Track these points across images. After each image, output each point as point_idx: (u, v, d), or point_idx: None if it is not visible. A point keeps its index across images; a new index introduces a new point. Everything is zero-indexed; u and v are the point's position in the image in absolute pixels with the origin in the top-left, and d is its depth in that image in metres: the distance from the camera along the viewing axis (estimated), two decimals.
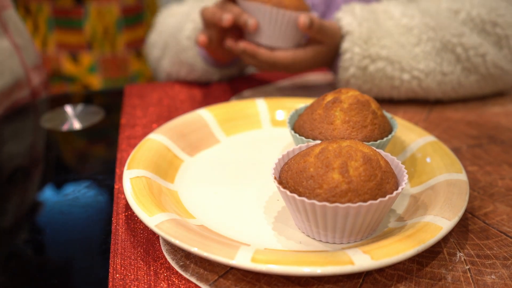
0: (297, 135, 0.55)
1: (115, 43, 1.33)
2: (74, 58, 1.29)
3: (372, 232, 0.47)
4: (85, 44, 1.30)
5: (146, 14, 1.39)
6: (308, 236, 0.47)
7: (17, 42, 0.90)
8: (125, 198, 0.55)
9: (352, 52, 0.74)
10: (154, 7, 1.45)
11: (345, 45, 0.75)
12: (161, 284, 0.43)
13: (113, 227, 0.50)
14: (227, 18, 0.72)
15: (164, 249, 0.47)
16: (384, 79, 0.76)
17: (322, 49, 0.75)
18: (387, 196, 0.43)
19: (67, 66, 1.30)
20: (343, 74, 0.76)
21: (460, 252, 0.47)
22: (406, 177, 0.46)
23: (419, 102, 0.80)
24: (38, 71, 0.96)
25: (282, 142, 0.65)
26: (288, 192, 0.44)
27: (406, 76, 0.76)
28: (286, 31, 0.72)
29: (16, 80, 0.87)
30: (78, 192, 0.59)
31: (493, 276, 0.44)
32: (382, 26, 0.76)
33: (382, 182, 0.44)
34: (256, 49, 0.73)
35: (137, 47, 1.38)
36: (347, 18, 0.75)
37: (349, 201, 0.42)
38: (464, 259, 0.46)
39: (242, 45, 0.73)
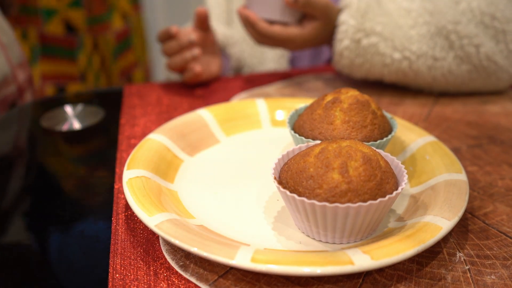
0: (297, 135, 0.55)
1: (111, 73, 1.25)
2: (61, 91, 1.16)
3: (372, 232, 0.47)
4: (78, 75, 1.18)
5: (132, 37, 1.33)
6: (308, 236, 0.47)
7: (2, 40, 0.90)
8: (125, 198, 0.55)
9: (347, 24, 0.77)
10: (140, 29, 1.38)
11: (342, 17, 0.77)
12: (161, 284, 0.43)
13: (113, 227, 0.50)
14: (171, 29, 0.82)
15: (164, 249, 0.47)
16: (376, 55, 0.78)
17: (318, 25, 0.78)
18: (387, 196, 0.43)
19: None
20: (338, 46, 0.78)
21: (460, 252, 0.47)
22: (406, 177, 0.46)
23: (419, 102, 0.80)
24: (23, 69, 0.96)
25: (282, 142, 0.65)
26: (288, 192, 0.44)
27: (397, 55, 0.77)
28: (276, 3, 0.76)
29: (3, 77, 0.88)
30: (78, 192, 0.59)
31: (492, 276, 0.44)
32: (382, 5, 0.78)
33: (382, 182, 0.44)
34: (256, 19, 0.77)
35: (128, 74, 1.31)
36: None
37: (349, 201, 0.42)
38: (464, 259, 0.46)
39: (247, 13, 0.78)
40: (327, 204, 0.42)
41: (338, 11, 0.78)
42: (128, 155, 0.63)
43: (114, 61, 1.24)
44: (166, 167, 0.57)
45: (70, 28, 1.16)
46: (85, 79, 1.21)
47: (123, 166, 0.59)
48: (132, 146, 0.66)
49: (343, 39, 0.77)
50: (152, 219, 0.45)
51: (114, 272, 0.44)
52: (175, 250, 0.47)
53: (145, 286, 0.43)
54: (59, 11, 1.14)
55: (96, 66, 1.22)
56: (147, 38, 1.44)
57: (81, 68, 1.20)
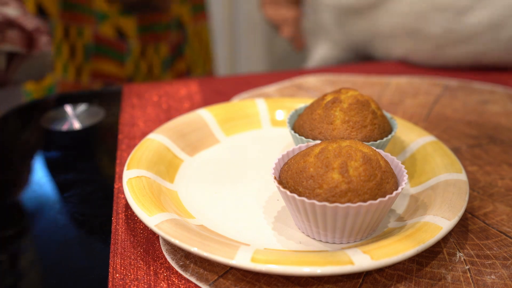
0: (297, 135, 0.55)
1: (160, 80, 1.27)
2: None
3: (372, 232, 0.47)
4: (125, 78, 1.20)
5: (186, 45, 1.31)
6: (308, 236, 0.47)
7: None
8: (125, 198, 0.55)
9: None
10: (203, 35, 1.33)
11: None
12: (161, 284, 0.43)
13: (113, 227, 0.50)
14: None
15: (164, 249, 0.47)
16: None
17: None
18: (387, 196, 0.43)
19: None
20: None
21: (459, 252, 0.47)
22: (406, 177, 0.46)
23: (419, 102, 0.80)
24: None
25: (282, 142, 0.65)
26: (288, 192, 0.44)
27: None
28: None
29: None
30: (78, 192, 0.59)
31: (492, 276, 0.44)
32: None
33: (382, 182, 0.44)
34: None
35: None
36: None
37: (349, 201, 0.42)
38: (464, 259, 0.46)
39: None
40: (327, 204, 0.42)
41: None
42: (128, 155, 0.63)
43: (164, 72, 1.24)
44: (166, 167, 0.57)
45: (120, 34, 1.19)
46: (132, 81, 1.23)
47: (123, 166, 0.59)
48: (132, 146, 0.66)
49: None
50: (152, 219, 0.45)
51: (114, 272, 0.45)
52: (175, 250, 0.47)
53: (145, 286, 0.43)
54: (110, 17, 1.16)
55: (142, 73, 1.24)
56: (212, 47, 1.42)
57: (128, 72, 1.22)
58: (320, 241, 0.46)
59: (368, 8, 0.94)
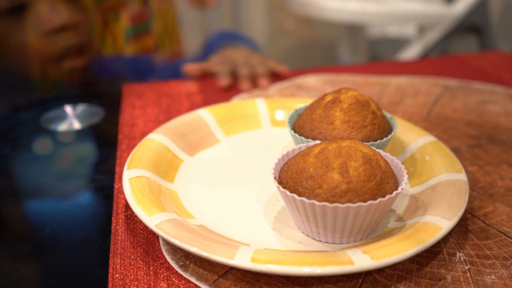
0: (297, 135, 0.55)
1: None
2: None
3: (372, 232, 0.47)
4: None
5: (152, 21, 1.32)
6: (308, 236, 0.47)
7: None
8: (124, 198, 0.55)
9: None
10: (167, 14, 1.38)
11: None
12: (161, 284, 0.43)
13: (112, 227, 0.50)
14: None
15: (163, 249, 0.47)
16: None
17: None
18: (387, 196, 0.43)
19: None
20: None
21: (459, 252, 0.47)
22: (405, 177, 0.46)
23: (419, 102, 0.80)
24: None
25: (282, 142, 0.65)
26: (287, 192, 0.44)
27: None
28: None
29: None
30: (78, 192, 0.59)
31: (492, 276, 0.44)
32: None
33: (382, 182, 0.44)
34: None
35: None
36: None
37: (349, 201, 0.42)
38: (464, 259, 0.46)
39: None
40: (327, 204, 0.42)
41: None
42: (127, 155, 0.63)
43: (127, 43, 1.25)
44: (166, 167, 0.57)
45: None
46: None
47: (123, 166, 0.59)
48: (132, 146, 0.66)
49: None
50: (152, 219, 0.45)
51: (114, 272, 0.45)
52: (175, 250, 0.47)
53: (145, 286, 0.43)
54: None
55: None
56: (178, 26, 1.44)
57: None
58: (320, 241, 0.46)
59: None
